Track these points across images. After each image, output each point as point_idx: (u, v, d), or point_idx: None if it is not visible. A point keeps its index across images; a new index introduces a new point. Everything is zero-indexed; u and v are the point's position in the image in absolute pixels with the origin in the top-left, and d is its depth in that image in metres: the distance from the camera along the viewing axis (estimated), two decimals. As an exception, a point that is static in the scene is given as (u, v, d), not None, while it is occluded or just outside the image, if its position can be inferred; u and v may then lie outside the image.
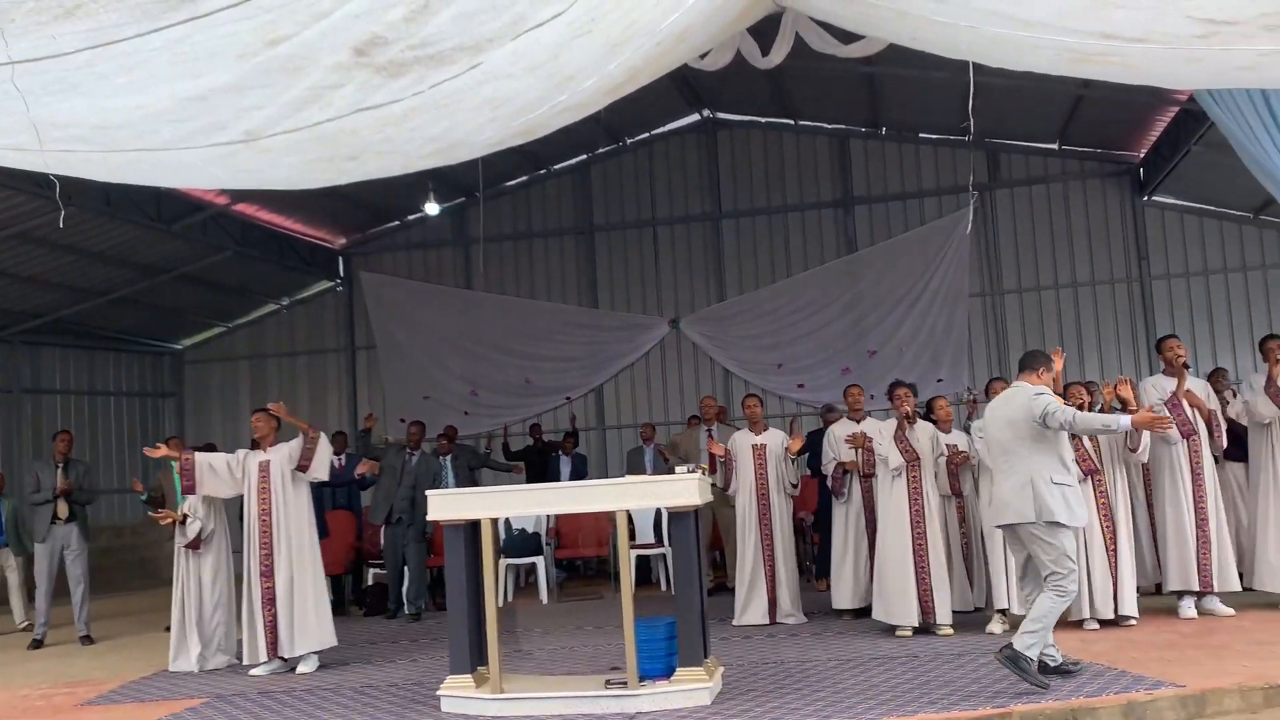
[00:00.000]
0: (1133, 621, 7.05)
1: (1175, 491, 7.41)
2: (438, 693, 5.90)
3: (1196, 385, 7.57)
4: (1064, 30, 4.19)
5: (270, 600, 7.26)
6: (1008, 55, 4.87)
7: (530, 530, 10.55)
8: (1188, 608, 7.30)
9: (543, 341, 15.19)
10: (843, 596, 8.21)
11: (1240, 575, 7.50)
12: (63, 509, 9.19)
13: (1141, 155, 13.77)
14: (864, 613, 8.00)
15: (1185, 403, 7.39)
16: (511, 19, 3.78)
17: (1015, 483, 5.65)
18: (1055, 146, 14.26)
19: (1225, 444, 7.62)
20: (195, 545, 7.82)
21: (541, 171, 15.60)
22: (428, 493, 6.11)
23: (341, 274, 16.13)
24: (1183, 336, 13.05)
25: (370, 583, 10.51)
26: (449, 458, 11.24)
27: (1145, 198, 13.93)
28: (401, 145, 5.06)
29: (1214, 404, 7.53)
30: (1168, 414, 7.08)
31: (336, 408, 15.78)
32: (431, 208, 13.79)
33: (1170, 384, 7.49)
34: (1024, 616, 5.62)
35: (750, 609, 8.21)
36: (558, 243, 15.62)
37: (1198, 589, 7.30)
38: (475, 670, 5.89)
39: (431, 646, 7.98)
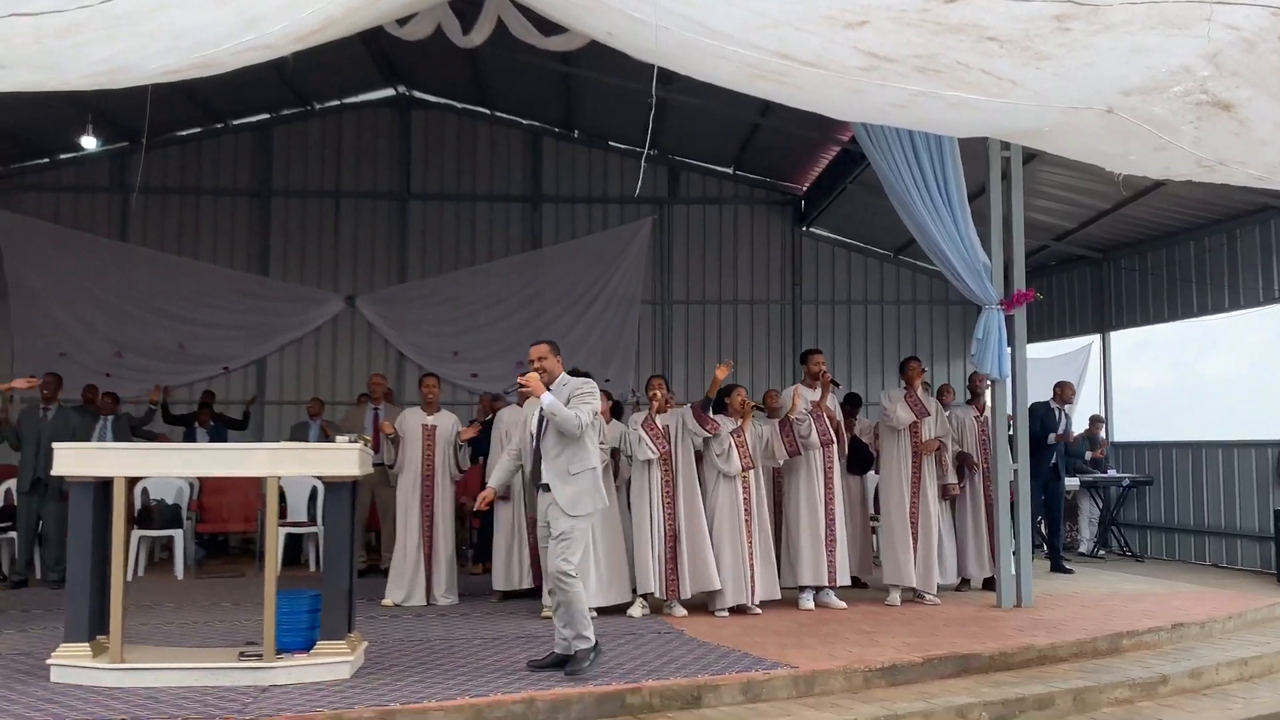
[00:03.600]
0: (758, 611, 7.61)
1: (810, 494, 8.07)
2: (48, 661, 5.40)
3: (828, 399, 8.28)
4: (746, 44, 4.47)
5: None
6: (695, 63, 5.13)
7: (170, 501, 9.87)
8: (807, 600, 7.98)
9: (203, 306, 14.23)
10: (500, 578, 8.26)
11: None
12: None
13: (804, 189, 14.90)
14: (513, 595, 8.13)
15: (824, 414, 8.07)
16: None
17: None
18: (730, 171, 15.14)
19: (845, 451, 8.35)
20: None
21: (218, 125, 14.63)
22: (54, 445, 5.58)
23: (-27, 210, 14.38)
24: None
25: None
26: (110, 419, 10.56)
27: (804, 228, 15.10)
28: (63, 63, 4.60)
29: (840, 416, 8.27)
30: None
31: (-47, 357, 14.04)
32: (89, 141, 12.50)
33: (813, 394, 8.16)
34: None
35: (403, 588, 8.11)
36: (229, 203, 14.70)
37: (821, 584, 7.99)
38: (93, 639, 5.45)
39: (44, 618, 7.29)
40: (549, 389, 5.82)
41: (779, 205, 15.27)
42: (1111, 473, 12.04)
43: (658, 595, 7.52)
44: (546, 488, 5.79)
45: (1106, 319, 13.04)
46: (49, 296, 13.89)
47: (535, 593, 7.89)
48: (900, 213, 8.12)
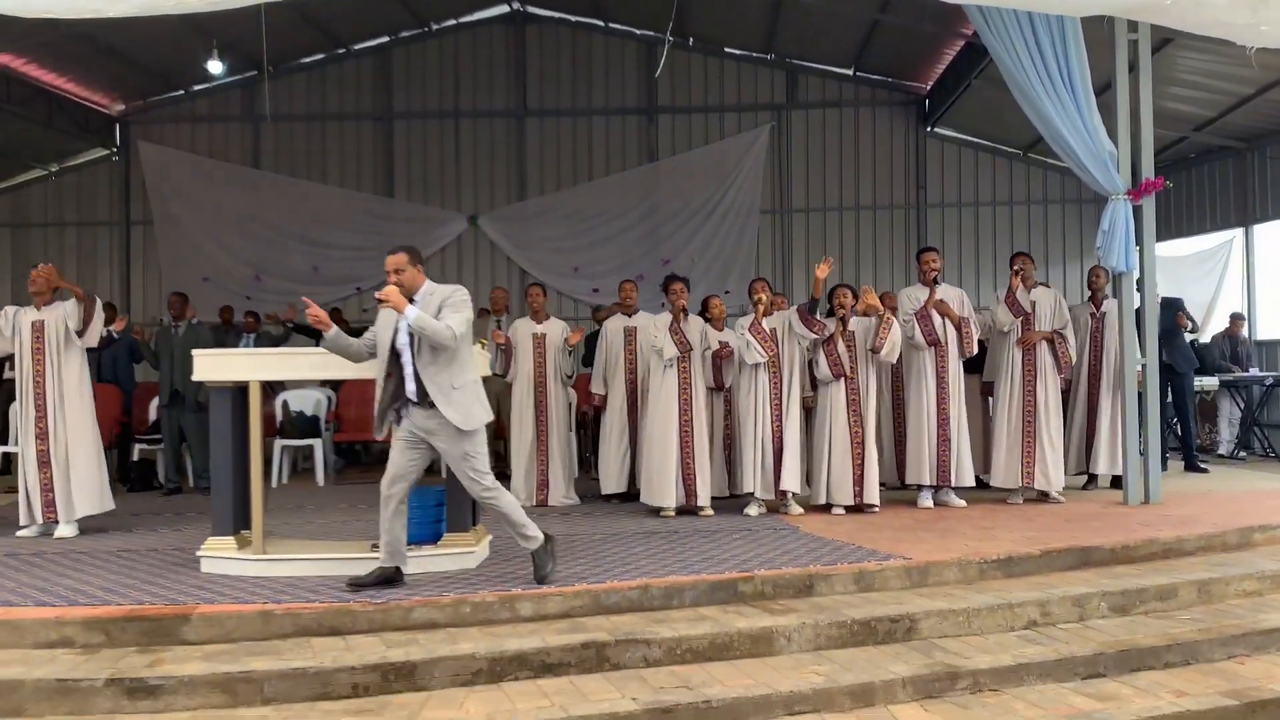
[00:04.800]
0: (875, 509, 7.63)
1: (919, 394, 8.02)
2: (198, 553, 5.82)
3: (951, 294, 8.13)
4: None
5: (45, 462, 7.11)
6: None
7: (309, 413, 10.37)
8: (925, 498, 7.96)
9: (334, 228, 14.73)
10: (610, 482, 8.48)
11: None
12: None
13: (928, 87, 14.44)
14: (630, 497, 8.33)
15: (935, 313, 7.94)
16: None
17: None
18: (850, 72, 14.75)
19: (975, 349, 8.18)
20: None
21: (340, 51, 14.96)
22: (194, 352, 5.95)
23: (119, 142, 15.10)
24: (950, 263, 14.01)
25: (136, 458, 10.12)
26: (253, 336, 11.24)
27: (928, 129, 14.67)
28: (176, -21, 4.82)
29: (967, 312, 8.11)
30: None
31: (108, 284, 14.85)
32: (215, 65, 12.92)
33: (924, 294, 8.04)
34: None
35: (522, 490, 8.40)
36: (354, 127, 15.09)
37: (928, 483, 7.96)
38: (238, 533, 5.84)
39: (197, 519, 7.80)
40: (413, 301, 5.32)
41: (901, 106, 14.87)
42: (1254, 371, 11.54)
43: (759, 495, 7.59)
44: (420, 404, 5.36)
45: (1250, 211, 12.38)
46: (191, 224, 14.58)
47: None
48: (1021, 103, 7.83)
